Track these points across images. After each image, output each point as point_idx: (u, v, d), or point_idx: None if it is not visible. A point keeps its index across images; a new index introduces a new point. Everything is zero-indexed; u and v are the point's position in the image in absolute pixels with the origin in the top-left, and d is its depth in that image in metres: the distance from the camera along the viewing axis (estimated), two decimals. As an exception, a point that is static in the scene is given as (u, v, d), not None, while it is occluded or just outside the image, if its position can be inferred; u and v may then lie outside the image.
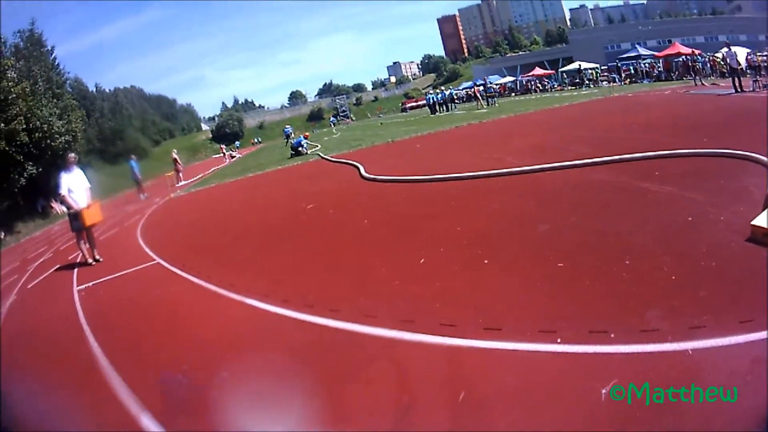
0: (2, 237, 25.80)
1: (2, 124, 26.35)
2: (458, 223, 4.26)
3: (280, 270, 4.10)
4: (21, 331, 4.71)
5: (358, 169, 8.59)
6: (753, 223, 2.74)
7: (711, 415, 1.53)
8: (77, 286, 5.75)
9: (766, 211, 2.74)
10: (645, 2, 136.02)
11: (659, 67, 34.37)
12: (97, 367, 2.99)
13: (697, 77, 19.44)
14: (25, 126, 27.40)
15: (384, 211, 5.39)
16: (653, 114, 10.53)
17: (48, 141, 30.02)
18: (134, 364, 2.90)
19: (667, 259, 2.69)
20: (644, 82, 31.40)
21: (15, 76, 28.59)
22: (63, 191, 6.89)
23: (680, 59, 33.04)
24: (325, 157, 13.12)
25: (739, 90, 13.80)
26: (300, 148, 16.77)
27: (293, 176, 11.70)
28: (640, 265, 2.69)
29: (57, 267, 7.70)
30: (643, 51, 38.97)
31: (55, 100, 33.88)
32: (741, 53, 18.07)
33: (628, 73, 34.68)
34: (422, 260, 3.40)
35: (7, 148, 25.85)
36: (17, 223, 28.14)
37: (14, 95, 27.71)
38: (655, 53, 37.54)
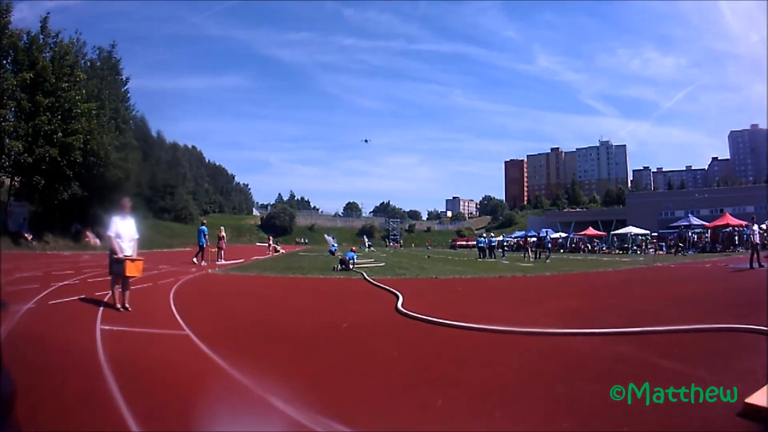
0: (30, 240, 26.40)
1: (60, 133, 27.29)
2: (481, 372, 4.54)
3: (308, 379, 4.26)
4: (33, 336, 5.24)
5: (397, 298, 9.03)
6: (746, 400, 3.05)
7: None
8: (101, 323, 6.08)
9: (759, 391, 3.11)
10: (706, 168, 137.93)
11: (706, 237, 34.77)
12: (112, 403, 3.35)
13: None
14: (82, 146, 28.16)
15: (413, 347, 5.65)
16: (689, 288, 12.30)
17: (101, 169, 30.64)
18: (150, 415, 3.20)
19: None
20: (689, 252, 31.75)
21: (84, 92, 29.89)
22: (111, 233, 7.13)
23: (727, 230, 33.49)
24: (368, 278, 13.74)
25: (753, 265, 15.87)
26: (348, 262, 17.46)
27: (333, 289, 12.25)
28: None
29: (82, 297, 8.04)
30: (694, 221, 40.19)
31: (116, 132, 34.97)
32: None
33: (674, 242, 35.33)
34: (439, 401, 3.65)
35: (59, 159, 26.66)
36: (47, 233, 28.66)
37: (79, 111, 28.71)
38: (705, 224, 38.67)
